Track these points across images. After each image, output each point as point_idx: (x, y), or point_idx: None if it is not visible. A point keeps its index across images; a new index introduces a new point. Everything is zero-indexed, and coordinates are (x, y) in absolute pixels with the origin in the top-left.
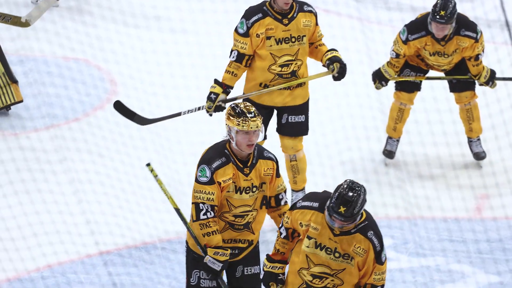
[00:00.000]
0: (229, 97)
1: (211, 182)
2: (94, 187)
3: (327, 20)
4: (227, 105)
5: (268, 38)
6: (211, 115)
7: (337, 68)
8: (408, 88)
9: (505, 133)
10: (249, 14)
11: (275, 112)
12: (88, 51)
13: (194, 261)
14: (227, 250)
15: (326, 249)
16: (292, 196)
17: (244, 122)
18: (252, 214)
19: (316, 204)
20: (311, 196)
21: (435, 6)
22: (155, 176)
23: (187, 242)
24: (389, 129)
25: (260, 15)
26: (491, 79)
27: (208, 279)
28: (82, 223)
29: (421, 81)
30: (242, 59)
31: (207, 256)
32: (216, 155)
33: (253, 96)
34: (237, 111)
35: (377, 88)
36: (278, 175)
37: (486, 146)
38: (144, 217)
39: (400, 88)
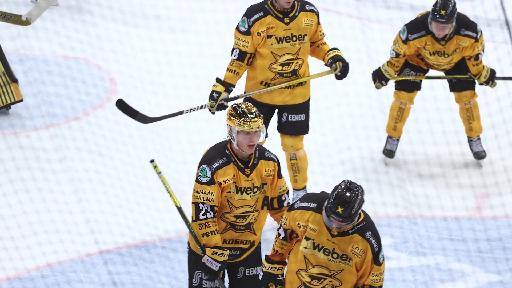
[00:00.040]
0: (231, 95)
1: (211, 182)
2: (94, 186)
3: (327, 19)
4: (230, 103)
5: (269, 36)
6: (213, 113)
7: (340, 67)
8: (408, 87)
9: (505, 132)
10: (250, 12)
11: (277, 110)
12: (88, 50)
13: (196, 262)
14: (226, 250)
15: (324, 250)
16: (293, 195)
17: (245, 122)
18: (253, 215)
19: (314, 205)
20: (309, 197)
21: (435, 5)
22: (159, 172)
23: (188, 243)
24: (389, 128)
25: (261, 13)
26: (491, 78)
27: (210, 279)
28: (82, 222)
29: (421, 81)
30: (243, 58)
31: (205, 256)
32: (217, 155)
33: (255, 94)
34: (238, 111)
35: (377, 87)
36: (280, 176)
37: (486, 145)
38: (144, 216)
39: (400, 87)
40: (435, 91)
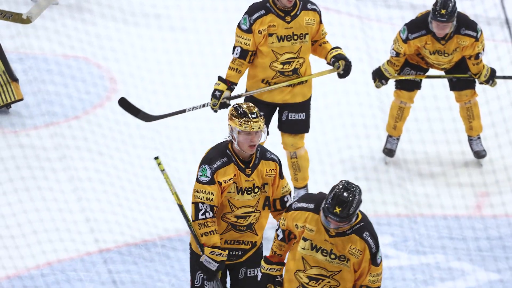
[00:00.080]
0: (233, 94)
1: (211, 182)
2: (94, 185)
3: (327, 18)
4: (232, 102)
5: (270, 35)
6: (216, 111)
7: (343, 65)
8: (408, 86)
9: (505, 131)
10: (252, 10)
11: (277, 109)
12: (88, 49)
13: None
14: (225, 251)
15: (322, 250)
16: (294, 193)
17: (246, 122)
18: (254, 215)
19: (311, 205)
20: (307, 198)
21: (435, 5)
22: (162, 170)
23: (190, 244)
24: (389, 127)
25: (262, 11)
26: (491, 77)
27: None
28: (81, 221)
29: (421, 80)
30: (245, 56)
31: (204, 255)
32: (217, 155)
33: (257, 93)
34: (239, 111)
35: (377, 87)
36: (281, 176)
37: (486, 144)
38: (144, 215)
39: (400, 86)
40: (435, 90)
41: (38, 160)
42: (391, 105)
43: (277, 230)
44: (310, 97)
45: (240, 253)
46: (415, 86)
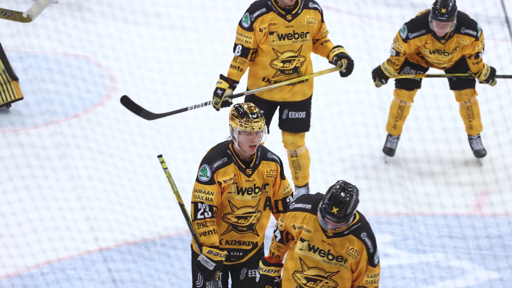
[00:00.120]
0: (235, 92)
1: (211, 182)
2: (94, 184)
3: (327, 16)
4: (234, 100)
5: (271, 33)
6: (218, 110)
7: (345, 64)
8: (408, 85)
9: (505, 129)
10: (253, 8)
11: (278, 107)
12: (88, 47)
13: None
14: (224, 251)
15: (320, 251)
16: (295, 191)
17: (246, 123)
18: (255, 216)
19: (309, 206)
20: (304, 198)
21: (435, 4)
22: (165, 168)
23: (191, 246)
24: (389, 126)
25: (263, 9)
26: (491, 76)
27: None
28: (81, 220)
29: (421, 79)
30: (247, 54)
31: (202, 254)
32: (218, 155)
33: (258, 92)
34: (240, 111)
35: (377, 86)
36: (283, 177)
37: (486, 143)
38: (144, 214)
39: (400, 85)
40: (435, 89)
41: (38, 159)
42: (391, 104)
43: (275, 231)
44: (311, 95)
45: (241, 254)
46: (415, 85)
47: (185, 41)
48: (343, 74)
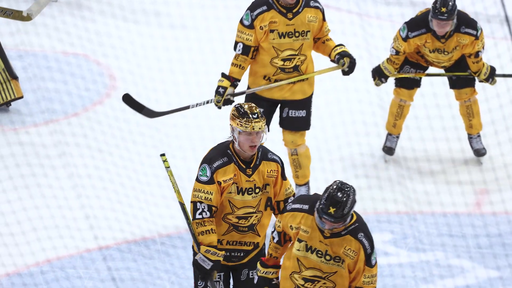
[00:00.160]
0: (236, 90)
1: (210, 181)
2: (93, 182)
3: (327, 15)
4: (236, 98)
5: (272, 31)
6: (220, 108)
7: (348, 62)
8: (408, 84)
9: (504, 128)
10: (254, 6)
11: (279, 106)
12: (87, 46)
13: None
14: (222, 251)
15: (317, 252)
16: (295, 190)
17: (247, 123)
18: (256, 216)
19: (306, 207)
20: (301, 199)
21: (435, 3)
22: (167, 167)
23: (193, 247)
24: (389, 125)
25: (264, 7)
26: (491, 76)
27: (215, 281)
28: (81, 218)
29: (420, 78)
30: (248, 52)
31: (199, 253)
32: (218, 155)
33: (260, 90)
34: (241, 111)
35: (377, 85)
36: (284, 177)
37: (485, 141)
38: (144, 212)
39: (399, 84)
40: (434, 87)
41: (37, 158)
42: (391, 103)
43: (272, 232)
44: (312, 94)
45: (242, 254)
46: (414, 84)
47: (184, 40)
48: (345, 73)
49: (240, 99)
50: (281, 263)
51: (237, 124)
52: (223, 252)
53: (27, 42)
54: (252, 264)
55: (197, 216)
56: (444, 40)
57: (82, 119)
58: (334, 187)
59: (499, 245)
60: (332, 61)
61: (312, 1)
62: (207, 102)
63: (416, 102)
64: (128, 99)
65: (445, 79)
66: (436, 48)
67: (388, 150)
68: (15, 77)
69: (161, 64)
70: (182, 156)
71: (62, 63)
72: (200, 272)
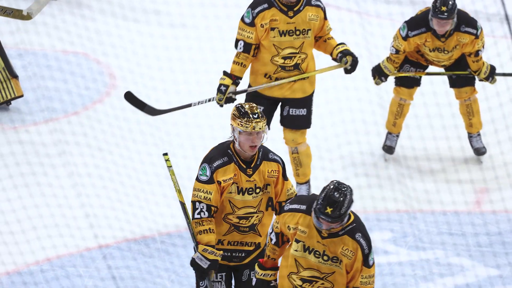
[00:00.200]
0: (238, 89)
1: (210, 181)
2: (93, 181)
3: (327, 13)
4: (237, 96)
5: (272, 29)
6: (222, 106)
7: (350, 61)
8: (408, 83)
9: (504, 127)
10: (255, 4)
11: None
12: (87, 44)
13: None
14: (220, 251)
15: (315, 252)
16: (296, 188)
17: (247, 123)
18: (257, 216)
19: (303, 207)
20: (299, 199)
21: (435, 2)
22: (169, 166)
23: (194, 248)
24: (389, 124)
25: (265, 5)
26: (491, 75)
27: (217, 281)
28: (81, 217)
29: (420, 77)
30: (249, 49)
31: (197, 252)
32: (218, 155)
33: (262, 88)
34: (241, 111)
35: (377, 83)
36: (285, 178)
37: (485, 140)
38: (143, 211)
39: (399, 83)
40: (434, 86)
41: (37, 156)
42: (391, 102)
43: (270, 233)
44: (313, 93)
45: (243, 255)
46: (414, 83)
47: (184, 38)
48: (347, 71)
49: (241, 97)
50: (279, 265)
51: (238, 124)
52: (221, 252)
53: (27, 41)
54: (254, 265)
55: (196, 215)
56: (444, 39)
57: (82, 118)
58: (331, 187)
59: (499, 244)
60: (334, 59)
61: (313, 0)
62: (209, 100)
63: (416, 101)
64: (130, 97)
65: (445, 78)
66: (436, 47)
67: (388, 149)
68: (15, 76)
69: (161, 63)
70: (182, 155)
71: (62, 62)
72: (197, 271)
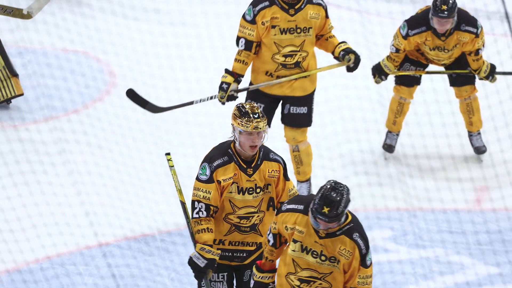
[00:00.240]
0: (240, 86)
1: (210, 180)
2: (93, 179)
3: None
4: (239, 94)
5: (273, 27)
6: (223, 104)
7: (353, 59)
8: (408, 82)
9: (504, 124)
10: (256, 1)
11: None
12: (87, 43)
13: None
14: (218, 250)
15: (312, 252)
16: (296, 186)
17: (247, 122)
18: (258, 216)
19: (301, 207)
20: (296, 199)
21: (435, 1)
22: (171, 166)
23: None
24: (389, 123)
25: (266, 3)
26: (491, 73)
27: (219, 281)
28: (81, 215)
29: (420, 75)
30: (250, 47)
31: (194, 251)
32: (218, 154)
33: (263, 86)
34: (242, 111)
35: (377, 82)
36: (287, 178)
37: (485, 138)
38: (143, 209)
39: (399, 82)
40: (434, 83)
41: (37, 154)
42: (391, 101)
43: (268, 235)
44: (313, 91)
45: (245, 255)
46: (414, 81)
47: (184, 36)
48: (350, 69)
49: (244, 95)
50: (277, 267)
51: (238, 123)
52: (219, 251)
53: (26, 39)
54: None
55: (194, 215)
56: (444, 38)
57: (82, 116)
58: (328, 186)
59: (499, 242)
60: (336, 58)
61: None
62: (211, 98)
63: (415, 98)
64: (132, 94)
65: (444, 76)
66: (436, 46)
67: (388, 147)
68: (15, 75)
69: (160, 61)
70: (182, 153)
71: (62, 60)
72: (194, 270)
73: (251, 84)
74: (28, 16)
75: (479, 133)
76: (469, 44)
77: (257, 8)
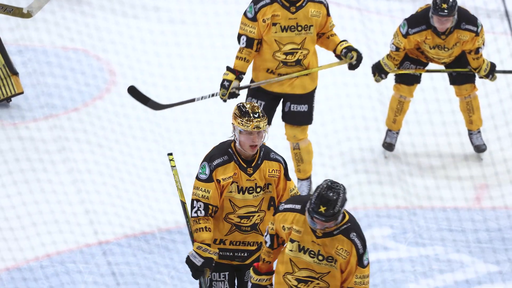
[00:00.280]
0: (241, 84)
1: (209, 180)
2: (93, 177)
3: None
4: (241, 92)
5: (274, 24)
6: (225, 101)
7: (356, 56)
8: (408, 80)
9: (504, 123)
10: None
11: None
12: (87, 41)
13: None
14: (216, 249)
15: (310, 252)
16: (297, 184)
17: (248, 122)
18: (258, 215)
19: (298, 206)
20: (294, 199)
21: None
22: (173, 166)
23: None
24: (389, 121)
25: (267, 1)
26: (491, 72)
27: (220, 281)
28: (81, 213)
29: (420, 74)
30: (252, 44)
31: (192, 250)
32: (218, 153)
33: (264, 84)
34: (242, 111)
35: (377, 81)
36: (287, 177)
37: (485, 136)
38: (143, 207)
39: (399, 80)
40: (434, 82)
41: (37, 152)
42: (391, 99)
43: (265, 236)
44: (314, 89)
45: (246, 255)
46: (414, 80)
47: (184, 34)
48: (352, 67)
49: (244, 92)
50: (274, 268)
51: (238, 123)
52: (216, 250)
53: (26, 37)
54: None
55: (193, 214)
56: (445, 36)
57: (81, 114)
58: (324, 186)
59: (498, 240)
60: (337, 56)
61: None
62: (212, 95)
63: (415, 97)
64: (133, 91)
65: (444, 74)
66: (437, 44)
67: (388, 146)
68: (15, 73)
69: (160, 59)
70: (182, 151)
71: (61, 58)
72: (191, 269)
73: (252, 82)
74: (28, 15)
75: (479, 132)
76: (469, 43)
77: (258, 5)
